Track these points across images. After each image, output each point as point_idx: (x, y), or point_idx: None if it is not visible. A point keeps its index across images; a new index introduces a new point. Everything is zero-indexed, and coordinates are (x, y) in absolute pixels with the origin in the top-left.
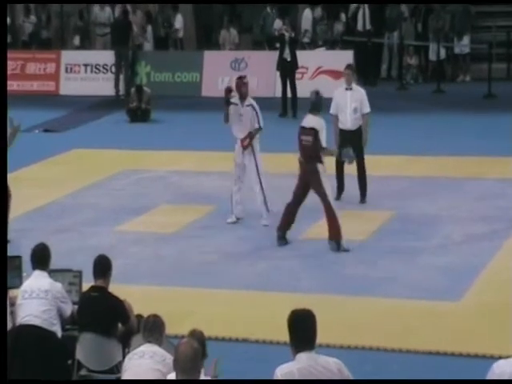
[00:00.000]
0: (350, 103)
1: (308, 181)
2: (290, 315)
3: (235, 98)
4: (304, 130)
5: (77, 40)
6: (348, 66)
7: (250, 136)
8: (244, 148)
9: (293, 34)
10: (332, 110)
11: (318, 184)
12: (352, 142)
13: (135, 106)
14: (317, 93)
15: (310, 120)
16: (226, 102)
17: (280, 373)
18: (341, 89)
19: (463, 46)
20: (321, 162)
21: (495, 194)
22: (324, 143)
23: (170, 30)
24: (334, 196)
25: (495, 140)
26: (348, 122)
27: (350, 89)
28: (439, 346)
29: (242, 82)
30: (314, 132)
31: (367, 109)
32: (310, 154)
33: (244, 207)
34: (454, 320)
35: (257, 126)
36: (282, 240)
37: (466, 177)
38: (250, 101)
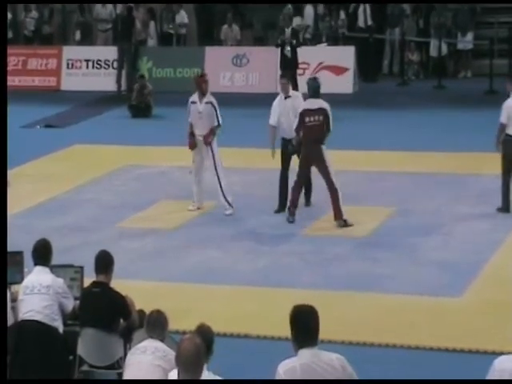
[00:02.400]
0: (291, 111)
1: (312, 161)
2: (292, 311)
3: (194, 96)
4: (310, 112)
5: (78, 35)
6: (281, 76)
7: (213, 133)
8: (207, 144)
9: (294, 42)
10: (271, 121)
11: (323, 164)
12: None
13: (137, 100)
14: (315, 78)
15: (315, 102)
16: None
17: (282, 369)
18: (279, 98)
19: (467, 42)
20: (323, 144)
21: (496, 189)
22: (331, 126)
23: (175, 27)
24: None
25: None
26: (292, 130)
27: (289, 97)
28: (441, 342)
29: (202, 80)
30: (323, 112)
31: None
32: (318, 135)
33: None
34: (456, 316)
35: (215, 123)
36: (293, 216)
37: (467, 173)
38: (209, 98)
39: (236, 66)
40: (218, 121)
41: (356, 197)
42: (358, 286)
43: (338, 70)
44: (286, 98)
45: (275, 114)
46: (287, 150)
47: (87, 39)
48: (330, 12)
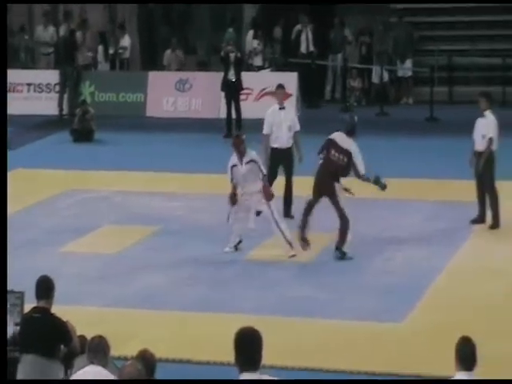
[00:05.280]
0: (284, 122)
1: (323, 192)
2: (236, 333)
3: (233, 159)
4: (337, 147)
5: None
6: (280, 86)
7: (268, 188)
8: (269, 199)
9: (239, 54)
10: (266, 130)
11: (334, 198)
12: (284, 159)
13: (79, 125)
14: (353, 116)
15: (345, 141)
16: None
17: None
18: (274, 108)
19: (406, 69)
20: (338, 181)
21: (436, 216)
22: (363, 170)
23: (118, 50)
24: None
25: (436, 163)
26: (284, 140)
27: (283, 108)
28: (381, 367)
29: (239, 141)
30: (348, 154)
31: (298, 127)
32: (336, 171)
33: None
34: (396, 341)
35: (261, 176)
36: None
37: (408, 199)
38: (249, 156)
39: (179, 91)
40: (263, 171)
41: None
42: (301, 311)
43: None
44: (280, 108)
45: (268, 123)
46: (276, 159)
47: (29, 62)
48: (271, 38)
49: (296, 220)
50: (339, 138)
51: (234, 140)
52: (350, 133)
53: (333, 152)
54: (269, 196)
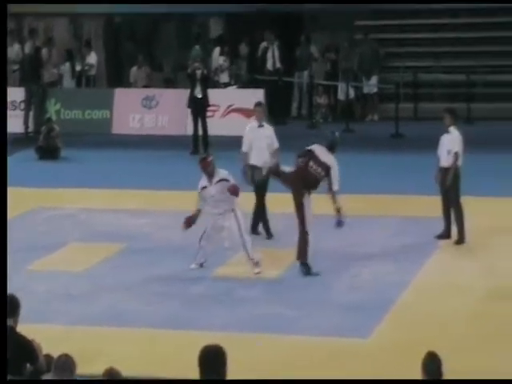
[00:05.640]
0: (263, 139)
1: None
2: (200, 351)
3: (203, 181)
4: (316, 159)
5: None
6: (258, 104)
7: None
8: (233, 194)
9: (205, 71)
10: (245, 148)
11: (300, 208)
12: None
13: (45, 142)
14: (334, 133)
15: (325, 154)
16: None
17: None
18: (252, 126)
19: (371, 85)
20: (309, 193)
21: (401, 231)
22: (337, 186)
23: (84, 67)
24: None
25: (402, 179)
26: (264, 157)
27: (262, 126)
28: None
29: (206, 163)
30: (327, 168)
31: (277, 144)
32: (309, 183)
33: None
34: (363, 356)
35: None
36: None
37: (373, 215)
38: (218, 176)
39: (146, 108)
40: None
41: (267, 239)
42: (268, 327)
43: (248, 113)
44: (259, 126)
45: (248, 141)
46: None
47: None
48: (236, 54)
49: (263, 237)
50: (318, 150)
51: (202, 163)
52: (332, 149)
53: (311, 163)
54: (236, 191)
